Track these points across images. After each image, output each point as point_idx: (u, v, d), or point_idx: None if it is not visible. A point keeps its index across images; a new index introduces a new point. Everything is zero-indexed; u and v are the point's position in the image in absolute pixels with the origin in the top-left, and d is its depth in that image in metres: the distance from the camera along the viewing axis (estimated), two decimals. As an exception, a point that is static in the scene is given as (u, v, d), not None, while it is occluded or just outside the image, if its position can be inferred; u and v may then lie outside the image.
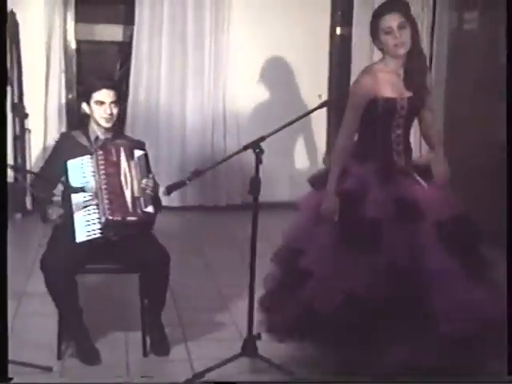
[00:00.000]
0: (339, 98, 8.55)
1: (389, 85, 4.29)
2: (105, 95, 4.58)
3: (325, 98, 8.47)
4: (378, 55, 8.42)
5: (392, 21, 4.19)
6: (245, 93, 8.78)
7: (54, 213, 4.52)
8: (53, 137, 8.23)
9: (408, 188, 4.30)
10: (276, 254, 4.63)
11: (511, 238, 3.69)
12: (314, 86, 8.51)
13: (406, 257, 4.12)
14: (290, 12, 8.65)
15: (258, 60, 8.75)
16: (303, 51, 8.73)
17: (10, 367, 3.65)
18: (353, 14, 8.71)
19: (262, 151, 4.19)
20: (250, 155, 4.25)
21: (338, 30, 9.06)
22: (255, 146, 4.19)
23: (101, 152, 4.47)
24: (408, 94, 4.30)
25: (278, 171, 8.39)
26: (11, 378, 3.37)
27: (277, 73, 8.75)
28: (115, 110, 4.62)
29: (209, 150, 8.58)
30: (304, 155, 8.91)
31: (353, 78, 8.64)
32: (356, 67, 8.66)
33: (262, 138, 4.21)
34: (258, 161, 4.19)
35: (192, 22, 8.58)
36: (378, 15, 4.27)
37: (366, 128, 4.38)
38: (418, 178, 4.35)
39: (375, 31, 4.29)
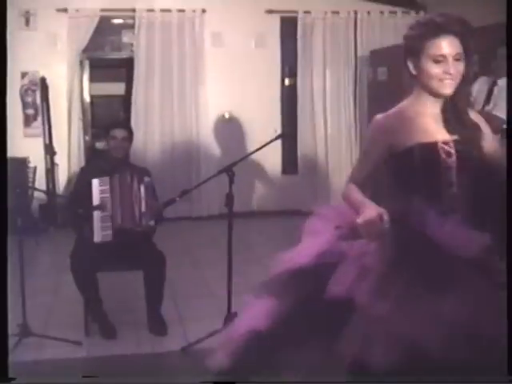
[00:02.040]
0: (289, 132, 8.64)
1: (424, 127, 2.43)
2: (118, 132, 4.58)
3: (279, 132, 8.46)
4: (317, 98, 8.72)
5: (448, 47, 2.36)
6: (218, 130, 8.75)
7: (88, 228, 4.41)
8: (75, 169, 8.19)
9: None
10: (272, 281, 2.48)
11: (511, 237, 2.38)
12: (270, 123, 8.49)
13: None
14: (250, 67, 8.68)
15: (227, 105, 8.73)
16: (261, 97, 8.73)
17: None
18: (297, 67, 8.86)
19: (233, 173, 4.15)
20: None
21: (287, 81, 9.07)
22: (228, 169, 4.15)
23: (117, 175, 4.43)
24: (453, 137, 2.43)
25: (246, 187, 8.34)
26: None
27: (242, 114, 8.73)
28: (125, 144, 4.64)
29: (193, 174, 8.51)
30: (265, 173, 8.93)
31: (299, 117, 8.80)
32: (300, 108, 8.75)
33: (233, 164, 4.18)
34: (231, 181, 4.15)
35: (176, 78, 8.56)
36: (426, 34, 2.38)
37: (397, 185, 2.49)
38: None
39: (415, 53, 2.42)
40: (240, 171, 4.26)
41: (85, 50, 8.49)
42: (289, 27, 8.83)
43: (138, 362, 4.14)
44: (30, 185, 7.69)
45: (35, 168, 7.86)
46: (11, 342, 4.10)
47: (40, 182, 8.10)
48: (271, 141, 4.41)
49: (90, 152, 8.56)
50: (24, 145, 8.17)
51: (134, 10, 8.43)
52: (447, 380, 2.40)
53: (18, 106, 8.35)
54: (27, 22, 8.31)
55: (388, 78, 7.77)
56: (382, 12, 8.82)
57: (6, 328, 2.64)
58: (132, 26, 8.52)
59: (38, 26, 8.32)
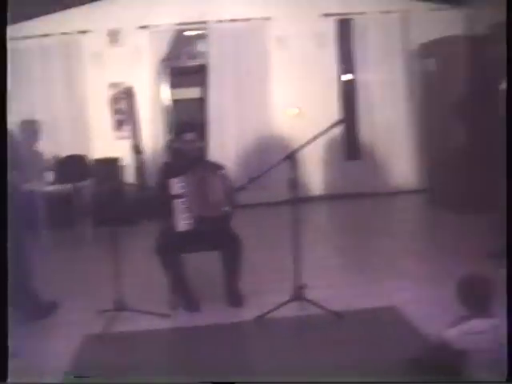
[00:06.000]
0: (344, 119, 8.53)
1: None
2: (188, 136, 4.59)
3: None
4: (374, 92, 8.53)
5: None
6: (285, 124, 8.72)
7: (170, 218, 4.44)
8: (159, 166, 8.27)
9: None
10: None
11: (511, 235, 2.63)
12: (332, 116, 8.30)
13: None
14: (311, 66, 8.60)
15: (292, 101, 8.75)
16: (322, 93, 8.67)
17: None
18: (354, 64, 8.78)
19: (295, 159, 4.11)
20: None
21: (345, 77, 8.94)
22: (290, 156, 4.13)
23: (192, 172, 4.46)
24: None
25: (312, 173, 8.29)
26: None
27: (305, 109, 8.70)
28: (196, 145, 4.62)
29: (265, 165, 8.38)
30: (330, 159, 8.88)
31: (359, 109, 8.65)
32: (359, 101, 8.62)
33: (295, 151, 4.15)
34: (293, 167, 4.11)
35: (246, 79, 8.65)
36: None
37: None
38: None
39: None
40: (305, 158, 4.20)
41: (164, 60, 8.65)
42: (344, 28, 8.74)
43: (217, 332, 4.17)
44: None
45: (125, 166, 8.03)
46: (108, 316, 4.22)
47: (130, 178, 8.30)
48: (331, 126, 4.32)
49: (171, 150, 8.68)
50: (115, 146, 8.38)
51: (205, 22, 8.52)
52: (448, 380, 2.67)
53: (107, 113, 8.59)
54: (114, 40, 8.47)
55: (437, 68, 7.58)
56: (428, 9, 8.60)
57: (6, 329, 2.57)
58: (204, 36, 8.64)
59: (124, 43, 8.49)
